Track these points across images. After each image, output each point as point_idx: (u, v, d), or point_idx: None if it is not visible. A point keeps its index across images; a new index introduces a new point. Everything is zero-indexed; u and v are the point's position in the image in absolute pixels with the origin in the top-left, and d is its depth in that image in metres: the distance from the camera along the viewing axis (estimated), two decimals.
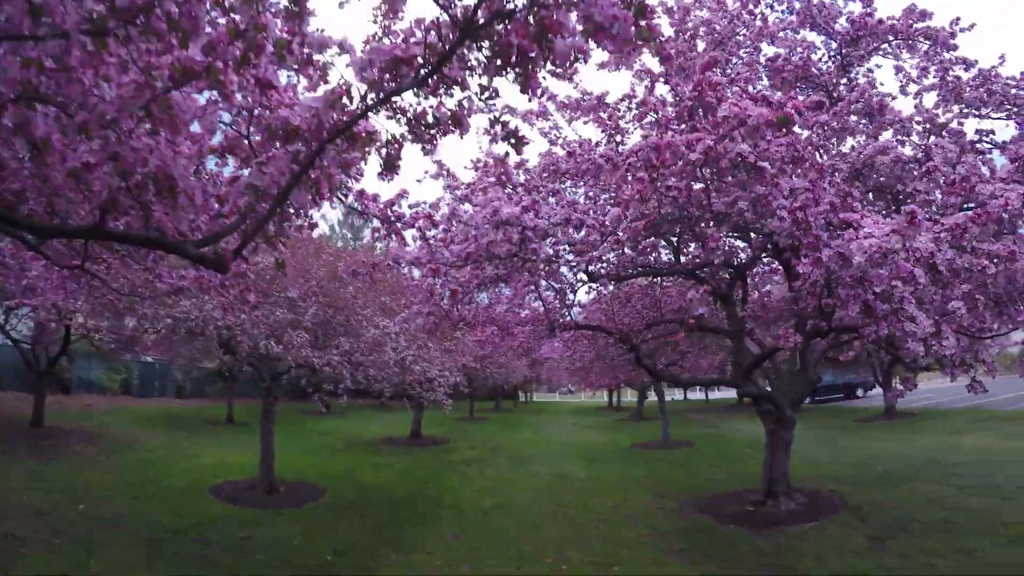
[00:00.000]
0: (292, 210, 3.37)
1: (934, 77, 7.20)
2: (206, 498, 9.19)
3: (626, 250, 7.16)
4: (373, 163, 3.38)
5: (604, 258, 7.17)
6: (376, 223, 5.68)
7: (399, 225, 5.68)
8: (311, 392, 8.93)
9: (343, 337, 9.03)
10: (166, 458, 12.30)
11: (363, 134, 2.99)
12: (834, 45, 8.14)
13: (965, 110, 6.88)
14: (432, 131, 3.11)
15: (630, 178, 4.98)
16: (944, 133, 6.72)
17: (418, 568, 6.57)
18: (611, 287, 10.08)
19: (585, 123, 7.83)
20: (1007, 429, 13.77)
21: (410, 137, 3.19)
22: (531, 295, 9.11)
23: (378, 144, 3.19)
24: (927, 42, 7.40)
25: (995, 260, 4.12)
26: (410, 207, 5.41)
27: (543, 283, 8.45)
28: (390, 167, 3.35)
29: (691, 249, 8.54)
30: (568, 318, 9.19)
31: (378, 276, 12.41)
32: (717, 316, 11.24)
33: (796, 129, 4.85)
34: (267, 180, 2.76)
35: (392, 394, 11.70)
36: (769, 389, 9.35)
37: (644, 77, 7.83)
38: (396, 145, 3.26)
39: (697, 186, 5.37)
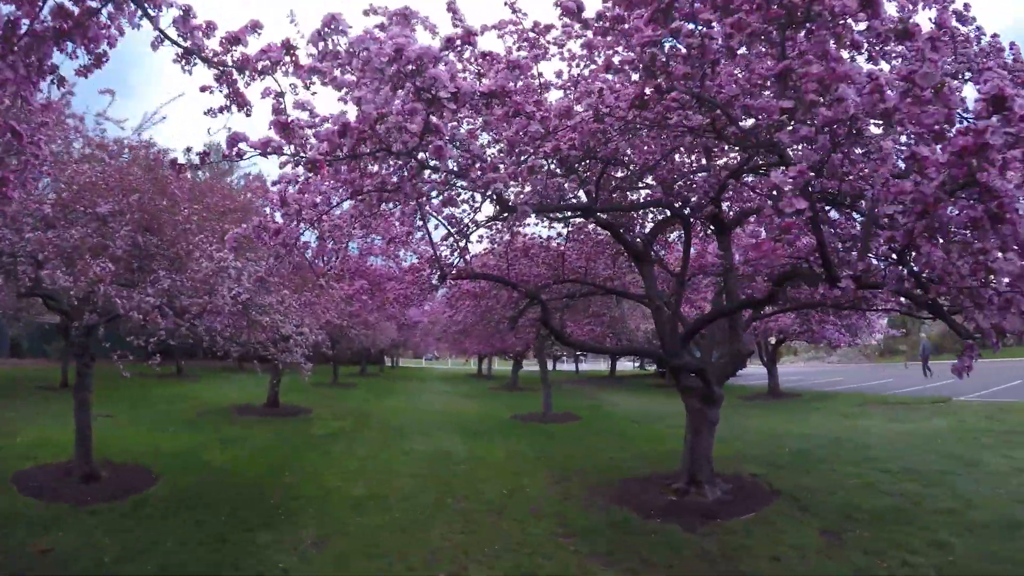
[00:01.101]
0: None
1: None
2: (6, 488, 6.93)
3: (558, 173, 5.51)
4: None
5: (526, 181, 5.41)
6: (209, 72, 3.65)
7: (243, 78, 3.60)
8: (113, 350, 6.47)
9: (164, 272, 6.59)
10: None
11: None
12: None
13: None
14: None
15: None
16: None
17: None
18: (511, 234, 8.47)
19: None
20: (888, 413, 14.24)
21: None
22: (418, 232, 7.26)
23: None
24: None
25: None
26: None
27: (433, 218, 6.62)
28: None
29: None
30: (461, 265, 7.47)
31: (218, 200, 9.85)
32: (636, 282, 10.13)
33: None
34: None
35: (240, 355, 9.37)
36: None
37: None
38: None
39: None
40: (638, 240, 8.30)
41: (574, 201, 6.56)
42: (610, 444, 11.62)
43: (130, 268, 7.26)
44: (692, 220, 7.37)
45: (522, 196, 5.65)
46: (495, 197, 5.53)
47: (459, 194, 6.19)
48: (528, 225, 8.84)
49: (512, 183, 5.23)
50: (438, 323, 22.81)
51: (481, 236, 8.59)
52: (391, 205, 5.63)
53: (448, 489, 7.99)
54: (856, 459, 8.94)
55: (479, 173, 4.58)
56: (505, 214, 6.29)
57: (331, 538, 6.01)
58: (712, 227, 7.70)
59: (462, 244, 7.09)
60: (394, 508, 7.07)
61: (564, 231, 8.91)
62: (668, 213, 7.55)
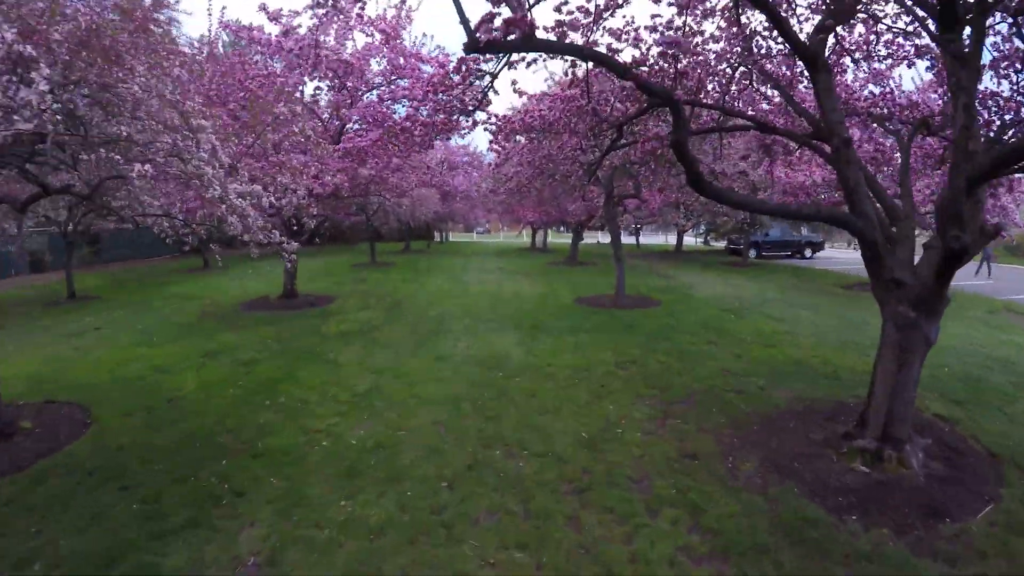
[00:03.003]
0: None
1: None
2: None
3: None
4: None
5: None
6: None
7: None
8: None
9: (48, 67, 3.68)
10: None
11: None
12: None
13: None
14: None
15: None
16: None
17: None
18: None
19: None
20: None
21: None
22: None
23: None
24: None
25: None
26: None
27: None
28: None
29: None
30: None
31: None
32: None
33: None
34: None
35: (188, 235, 6.72)
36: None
37: None
38: None
39: None
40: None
41: None
42: (711, 346, 8.67)
43: None
44: None
45: None
46: None
47: None
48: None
49: None
50: (486, 183, 19.61)
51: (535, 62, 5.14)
52: None
53: (495, 433, 5.31)
54: None
55: None
56: None
57: (283, 551, 3.43)
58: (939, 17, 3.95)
59: None
60: (404, 478, 4.44)
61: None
62: None
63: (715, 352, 8.28)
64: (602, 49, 4.40)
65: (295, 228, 11.29)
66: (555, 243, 37.53)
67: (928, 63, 5.41)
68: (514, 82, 6.04)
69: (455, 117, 5.40)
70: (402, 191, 14.21)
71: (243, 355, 8.28)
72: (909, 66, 5.49)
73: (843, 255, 30.41)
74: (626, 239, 42.87)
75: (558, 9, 4.17)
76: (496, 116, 6.16)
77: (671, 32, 4.64)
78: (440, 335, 9.46)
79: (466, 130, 6.45)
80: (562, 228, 29.61)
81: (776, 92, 5.93)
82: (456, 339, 9.17)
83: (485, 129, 6.04)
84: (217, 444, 5.21)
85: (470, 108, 5.16)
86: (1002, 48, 4.68)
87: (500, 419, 5.67)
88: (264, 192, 5.50)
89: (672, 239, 44.49)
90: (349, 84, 10.07)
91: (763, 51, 5.32)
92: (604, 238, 43.83)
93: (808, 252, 28.04)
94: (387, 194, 13.64)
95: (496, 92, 5.21)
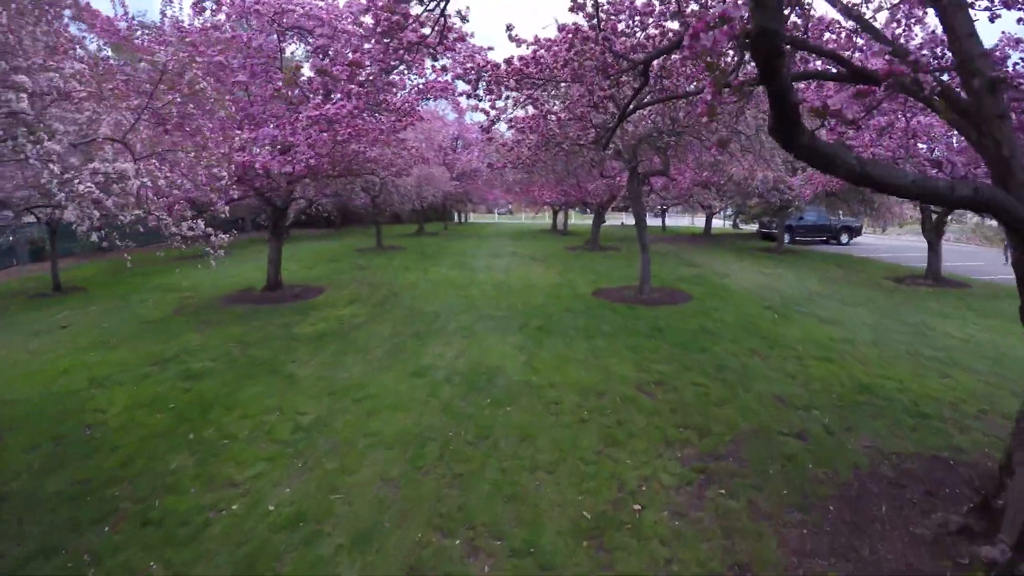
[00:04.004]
0: None
1: None
2: None
3: None
4: None
5: None
6: None
7: None
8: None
9: None
10: None
11: None
12: None
13: None
14: None
15: None
16: None
17: None
18: None
19: None
20: None
21: None
22: None
23: None
24: None
25: None
26: None
27: None
28: None
29: None
30: None
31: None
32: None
33: None
34: None
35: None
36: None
37: None
38: None
39: None
40: None
41: None
42: (756, 358, 7.03)
43: None
44: None
45: None
46: None
47: None
48: None
49: None
50: (494, 149, 17.96)
51: None
52: None
53: (460, 505, 3.83)
54: None
55: None
56: None
57: None
58: None
59: None
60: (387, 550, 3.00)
61: None
62: None
63: (762, 369, 6.64)
64: None
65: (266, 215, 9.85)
66: (577, 225, 35.71)
67: None
68: (509, 27, 4.47)
69: (400, 48, 3.82)
70: (399, 169, 12.65)
71: (194, 364, 6.95)
72: None
73: (879, 242, 28.11)
74: (652, 221, 40.90)
75: None
76: (476, 58, 4.57)
77: None
78: (429, 337, 7.98)
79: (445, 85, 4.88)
80: (587, 210, 27.68)
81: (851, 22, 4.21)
82: (446, 343, 7.68)
83: (457, 78, 4.47)
84: (109, 500, 3.93)
85: (428, 41, 3.59)
86: None
87: (472, 478, 4.17)
88: (160, 172, 4.01)
89: (699, 221, 42.21)
90: (330, 49, 8.51)
91: None
92: (628, 220, 41.79)
93: (844, 238, 25.88)
94: (383, 172, 12.08)
95: (464, 19, 3.64)
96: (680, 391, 5.85)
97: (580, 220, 42.65)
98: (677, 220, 44.86)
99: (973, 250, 24.43)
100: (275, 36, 8.26)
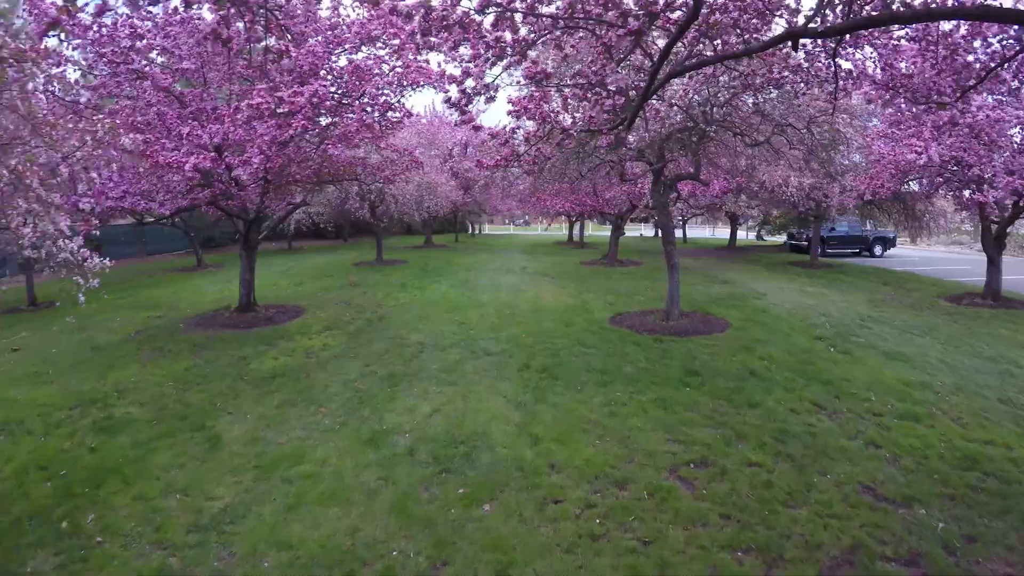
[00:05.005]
0: None
1: None
2: None
3: None
4: None
5: None
6: None
7: None
8: None
9: None
10: None
11: None
12: None
13: None
14: None
15: None
16: None
17: None
18: None
19: None
20: None
21: None
22: None
23: None
24: None
25: None
26: None
27: None
28: None
29: None
30: None
31: None
32: None
33: None
34: None
35: None
36: None
37: None
38: None
39: None
40: None
41: None
42: (822, 416, 5.39)
43: None
44: None
45: None
46: None
47: None
48: None
49: None
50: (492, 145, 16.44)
51: None
52: None
53: None
54: None
55: None
56: None
57: None
58: None
59: None
60: None
61: None
62: None
63: (835, 434, 5.00)
64: None
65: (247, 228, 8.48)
66: (594, 237, 34.05)
67: None
68: None
69: None
70: (392, 174, 11.18)
71: (118, 410, 5.65)
72: None
73: (915, 253, 26.11)
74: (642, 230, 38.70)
75: None
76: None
77: None
78: (403, 382, 6.48)
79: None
80: (605, 221, 25.58)
81: None
82: (424, 391, 6.17)
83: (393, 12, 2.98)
84: None
85: None
86: None
87: None
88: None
89: (720, 232, 40.12)
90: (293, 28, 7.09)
91: None
92: (647, 231, 39.96)
93: (878, 249, 24.01)
94: (367, 177, 10.63)
95: None
96: (731, 477, 4.24)
97: (598, 231, 40.94)
98: (698, 231, 43.00)
99: (1014, 262, 22.22)
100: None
